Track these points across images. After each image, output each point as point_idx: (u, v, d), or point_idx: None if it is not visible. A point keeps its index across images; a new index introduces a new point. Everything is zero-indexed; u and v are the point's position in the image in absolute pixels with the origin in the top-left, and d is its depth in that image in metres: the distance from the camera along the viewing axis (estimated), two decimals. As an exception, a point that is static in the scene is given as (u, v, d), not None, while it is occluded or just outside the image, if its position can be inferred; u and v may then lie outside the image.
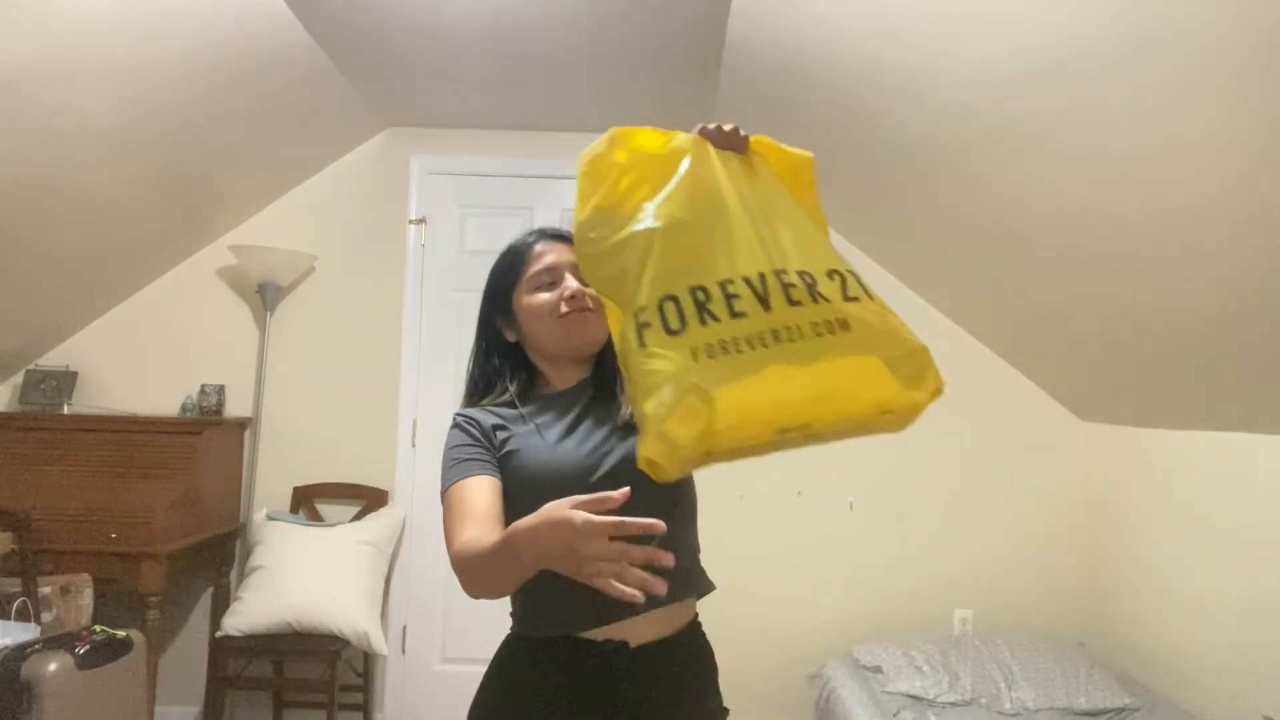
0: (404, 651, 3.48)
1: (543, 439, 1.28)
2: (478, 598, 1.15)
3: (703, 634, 1.33)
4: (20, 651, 2.14)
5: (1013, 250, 2.69)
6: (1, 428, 3.22)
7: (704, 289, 1.02)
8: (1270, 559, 2.37)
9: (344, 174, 3.66)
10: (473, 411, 1.32)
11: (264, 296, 3.48)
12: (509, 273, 1.36)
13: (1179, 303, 2.20)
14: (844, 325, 1.05)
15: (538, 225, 4.10)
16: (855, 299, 1.10)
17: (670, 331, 1.00)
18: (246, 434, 3.55)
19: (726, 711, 1.31)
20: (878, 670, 2.91)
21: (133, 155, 2.83)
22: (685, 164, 1.11)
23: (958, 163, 2.47)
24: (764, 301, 1.02)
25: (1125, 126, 1.85)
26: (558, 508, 0.97)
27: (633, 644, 1.21)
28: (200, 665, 3.28)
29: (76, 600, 2.68)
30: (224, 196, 3.44)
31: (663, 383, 0.98)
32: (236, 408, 3.54)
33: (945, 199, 2.72)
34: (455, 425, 1.31)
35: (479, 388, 1.38)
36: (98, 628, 2.35)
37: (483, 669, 1.30)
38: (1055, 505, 3.45)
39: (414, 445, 3.53)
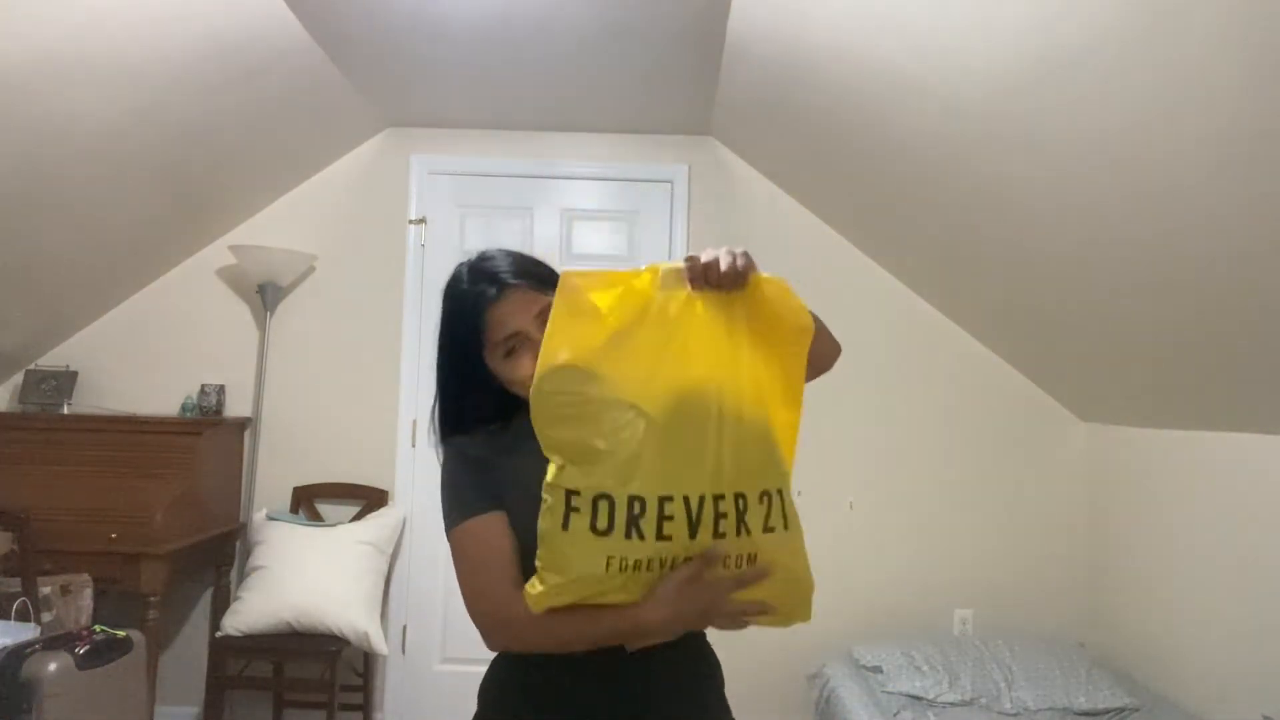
0: (404, 651, 3.48)
1: (535, 469, 1.16)
2: (506, 649, 1.20)
3: (705, 641, 1.31)
4: (20, 651, 2.14)
5: (1013, 250, 2.69)
6: (1, 428, 3.22)
7: (642, 501, 1.02)
8: (1270, 559, 2.37)
9: (344, 174, 3.66)
10: (467, 441, 1.25)
11: (264, 296, 3.48)
12: (472, 335, 1.22)
13: (1179, 303, 2.20)
14: (752, 560, 1.09)
15: (537, 226, 4.07)
16: (773, 530, 1.09)
17: (596, 531, 1.03)
18: (246, 434, 3.55)
19: None
20: (878, 670, 2.91)
21: (133, 155, 2.83)
22: (664, 324, 1.03)
23: (958, 163, 2.47)
24: (693, 529, 1.04)
25: (1126, 126, 1.85)
26: (672, 585, 1.07)
27: (629, 648, 1.19)
28: (200, 665, 3.28)
29: (76, 600, 2.68)
30: (224, 196, 3.44)
31: (571, 572, 1.04)
32: (236, 408, 3.54)
33: (945, 199, 2.72)
34: (450, 454, 1.25)
35: (454, 426, 1.28)
36: (98, 628, 2.35)
37: (483, 669, 1.29)
38: (1055, 505, 3.45)
39: (414, 445, 3.53)
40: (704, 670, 1.30)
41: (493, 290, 1.20)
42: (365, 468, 3.53)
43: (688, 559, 1.06)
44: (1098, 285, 2.46)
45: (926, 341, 3.53)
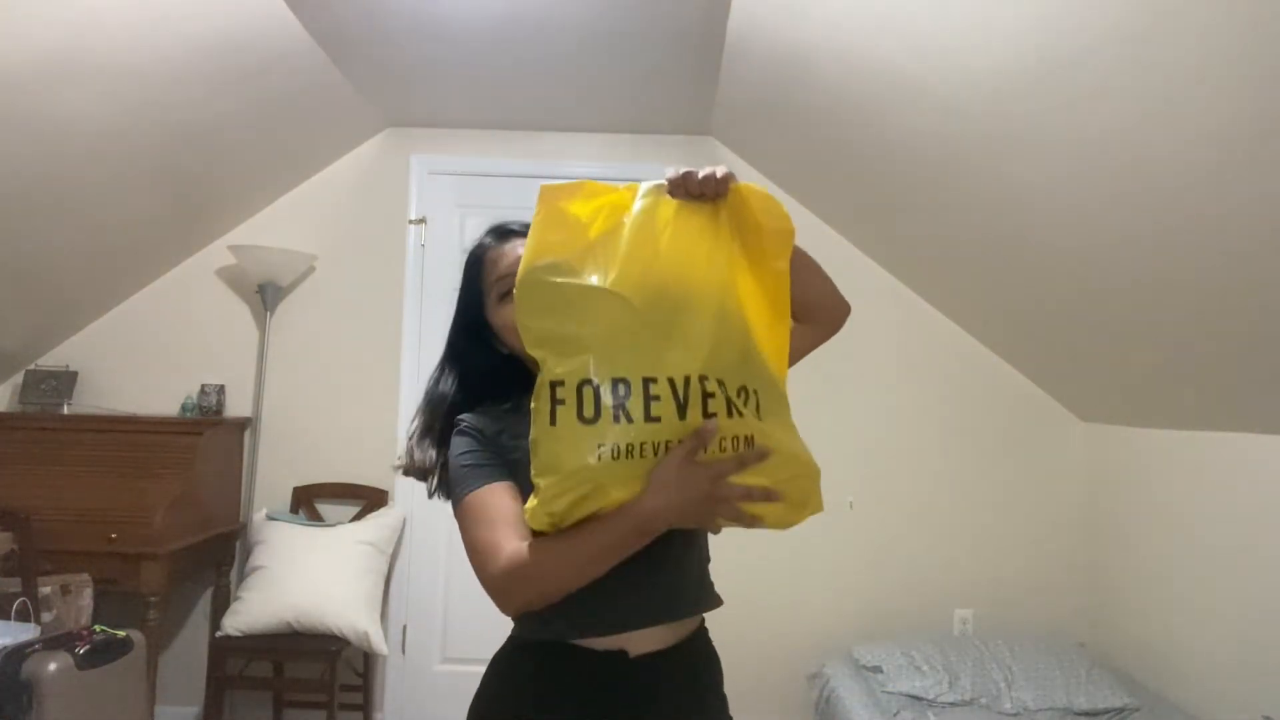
0: (404, 651, 3.48)
1: None
2: (525, 607, 1.14)
3: (709, 643, 1.31)
4: (20, 651, 2.14)
5: (1013, 250, 2.69)
6: (1, 428, 3.22)
7: (626, 383, 1.01)
8: (1270, 559, 2.37)
9: (344, 174, 3.66)
10: (474, 417, 1.25)
11: (264, 296, 3.48)
12: (473, 285, 1.29)
13: (1179, 303, 2.20)
14: (749, 442, 1.05)
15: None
16: (763, 417, 1.07)
17: (583, 419, 1.01)
18: (246, 434, 3.55)
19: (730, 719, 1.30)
20: (878, 670, 2.91)
21: (133, 155, 2.83)
22: (646, 226, 1.05)
23: (957, 162, 2.47)
24: (681, 409, 1.02)
25: (1126, 126, 1.85)
26: (669, 468, 1.02)
27: (631, 653, 1.19)
28: (200, 665, 3.28)
29: (76, 600, 2.68)
30: (224, 196, 3.44)
31: (563, 468, 1.01)
32: (236, 408, 3.54)
33: (945, 199, 2.72)
34: (461, 432, 1.24)
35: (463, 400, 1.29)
36: (98, 628, 2.35)
37: (483, 669, 1.29)
38: (1055, 505, 3.45)
39: (414, 445, 3.53)
40: (706, 669, 1.30)
41: (494, 238, 1.30)
42: (365, 468, 3.53)
43: (680, 442, 1.02)
44: (1098, 285, 2.46)
45: (926, 341, 3.53)
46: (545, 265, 1.04)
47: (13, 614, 2.41)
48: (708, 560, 1.33)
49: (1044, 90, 1.95)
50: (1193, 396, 2.57)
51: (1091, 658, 2.98)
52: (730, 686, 1.32)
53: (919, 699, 2.73)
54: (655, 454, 1.02)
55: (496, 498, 1.16)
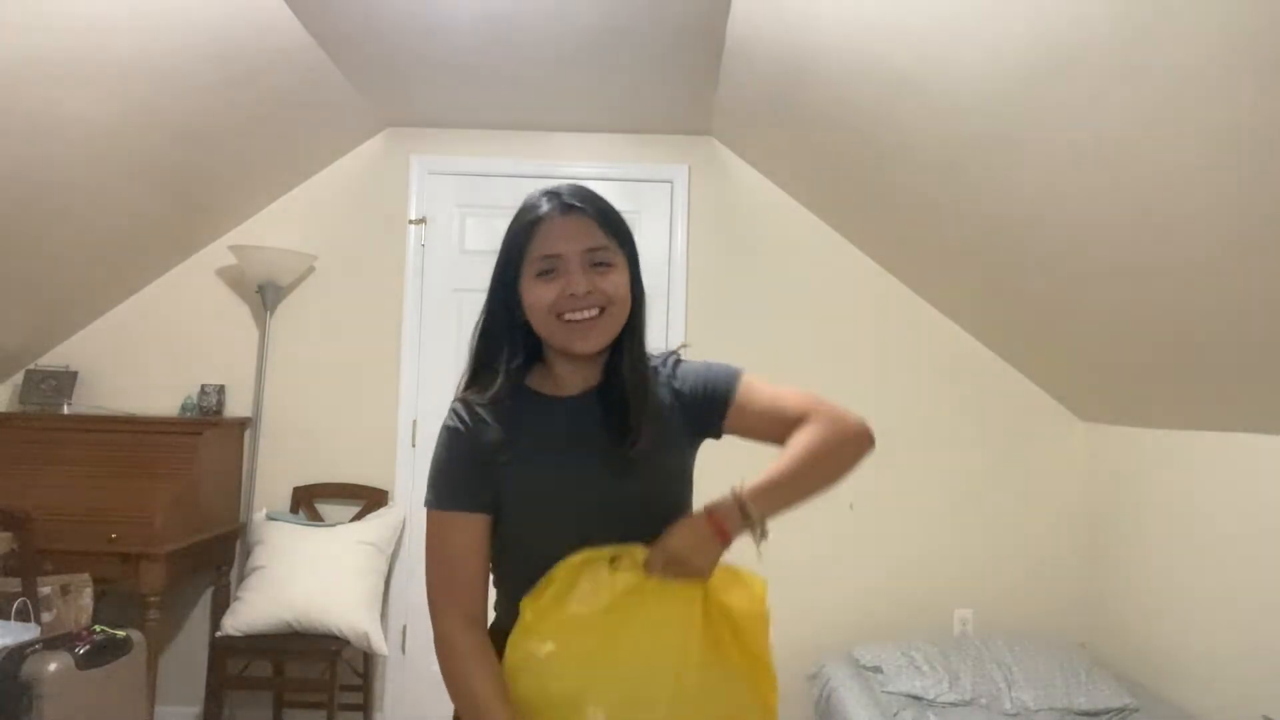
0: (404, 651, 3.48)
1: (545, 459, 1.20)
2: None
3: None
4: (20, 651, 2.14)
5: (1013, 250, 2.69)
6: (1, 428, 3.22)
7: None
8: (1270, 559, 2.37)
9: (344, 174, 3.66)
10: (472, 417, 1.21)
11: (264, 296, 3.48)
12: (516, 245, 1.22)
13: (1180, 302, 2.20)
14: None
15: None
16: None
17: None
18: (246, 434, 3.55)
19: None
20: (878, 670, 2.91)
21: (132, 155, 2.83)
22: (621, 615, 1.11)
23: (957, 162, 2.47)
24: None
25: (1126, 126, 1.85)
26: None
27: None
28: (200, 665, 3.28)
29: (76, 600, 2.68)
30: (224, 196, 3.44)
31: None
32: (236, 408, 3.54)
33: (945, 199, 2.72)
34: (451, 430, 1.21)
35: (482, 365, 1.26)
36: (98, 628, 2.35)
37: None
38: (1055, 505, 3.45)
39: (414, 445, 3.53)
40: None
41: (550, 206, 1.21)
42: (365, 468, 3.53)
43: None
44: (1098, 285, 2.46)
45: (926, 341, 3.53)
46: (538, 652, 1.11)
47: (13, 614, 2.40)
48: None
49: (1044, 90, 1.94)
50: (1193, 396, 2.57)
51: (1091, 658, 2.98)
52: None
53: (919, 699, 2.73)
54: None
55: (465, 539, 1.19)
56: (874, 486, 3.47)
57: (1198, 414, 2.63)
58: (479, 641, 1.16)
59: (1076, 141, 2.01)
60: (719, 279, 3.57)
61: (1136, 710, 2.66)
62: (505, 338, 1.25)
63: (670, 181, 3.60)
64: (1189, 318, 2.22)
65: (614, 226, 1.23)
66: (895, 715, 2.64)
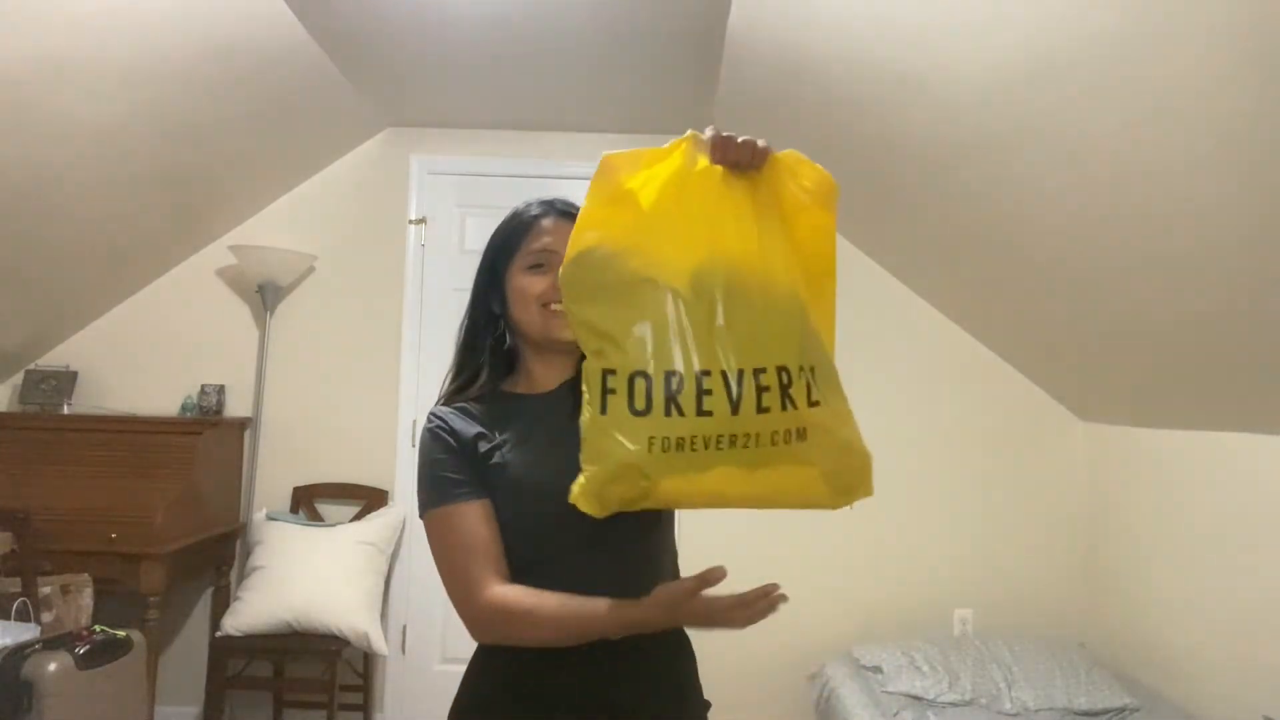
0: (404, 651, 3.48)
1: (526, 452, 1.23)
2: (499, 642, 1.18)
3: (682, 630, 1.32)
4: (20, 651, 2.14)
5: (1013, 250, 2.69)
6: (1, 428, 3.22)
7: (679, 375, 1.00)
8: (1270, 559, 2.37)
9: (344, 174, 3.66)
10: (450, 417, 1.26)
11: (264, 296, 3.48)
12: (506, 244, 1.29)
13: (1179, 303, 2.20)
14: (801, 435, 1.04)
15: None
16: (818, 403, 1.06)
17: (635, 411, 1.01)
18: (246, 434, 3.55)
19: (708, 704, 1.31)
20: (878, 670, 2.91)
21: (132, 155, 2.83)
22: (692, 201, 1.05)
23: (958, 162, 2.47)
24: (734, 405, 1.01)
25: (1126, 126, 1.85)
26: (675, 593, 1.07)
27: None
28: (200, 665, 3.28)
29: (76, 600, 2.68)
30: (224, 196, 3.44)
31: (612, 458, 1.01)
32: (236, 408, 3.54)
33: (945, 198, 2.72)
34: (431, 432, 1.25)
35: (464, 368, 1.31)
36: (98, 628, 2.35)
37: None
38: (1055, 505, 3.45)
39: (414, 445, 3.53)
40: (678, 653, 1.30)
41: (544, 209, 1.29)
42: (365, 468, 3.53)
43: (737, 440, 1.01)
44: (1098, 285, 2.46)
45: (926, 341, 3.53)
46: (594, 250, 1.05)
47: (13, 614, 2.41)
48: (676, 555, 1.36)
49: (1045, 90, 1.95)
50: (1193, 396, 2.57)
51: (1091, 658, 2.98)
52: (730, 686, 1.33)
53: (919, 699, 2.73)
54: (706, 448, 1.01)
55: (471, 522, 1.20)
56: (874, 486, 3.47)
57: (1198, 414, 2.63)
58: (523, 590, 1.15)
59: (1076, 141, 2.01)
60: (719, 279, 3.57)
61: (1136, 710, 2.66)
62: (485, 344, 1.30)
63: (670, 181, 3.60)
64: (1189, 318, 2.22)
65: None
66: (895, 715, 2.64)
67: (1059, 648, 2.98)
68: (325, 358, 3.58)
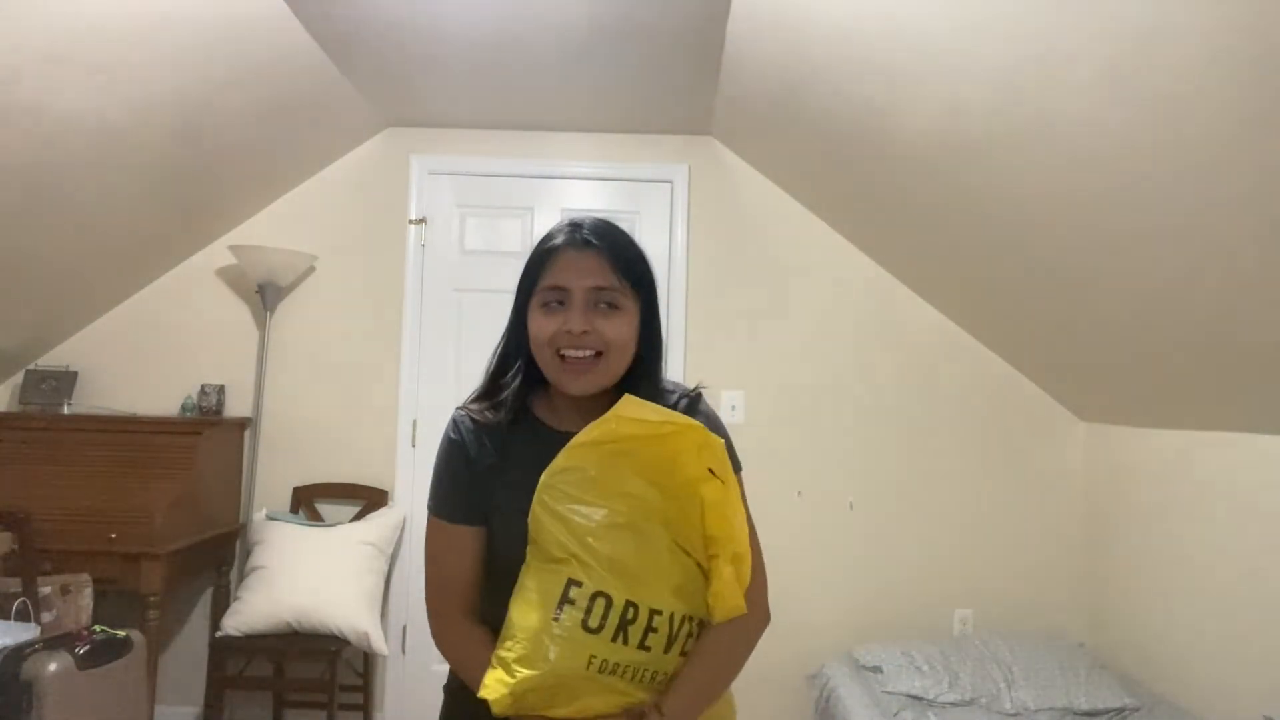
0: (404, 651, 3.48)
1: (524, 495, 1.16)
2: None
3: None
4: (20, 651, 2.14)
5: (1013, 251, 2.69)
6: (2, 428, 3.22)
7: (635, 608, 1.08)
8: (1270, 559, 2.37)
9: (344, 174, 3.66)
10: (470, 438, 1.23)
11: (264, 296, 3.48)
12: (529, 274, 1.23)
13: (1179, 303, 2.20)
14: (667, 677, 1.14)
15: (537, 226, 4.08)
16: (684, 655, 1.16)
17: (587, 629, 1.07)
18: (246, 434, 3.55)
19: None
20: (878, 670, 2.91)
21: (132, 155, 2.83)
22: (669, 460, 1.13)
23: (957, 163, 2.47)
24: (669, 644, 1.11)
25: (1127, 127, 1.85)
26: None
27: None
28: (200, 665, 3.29)
29: (76, 600, 2.68)
30: (224, 197, 3.44)
31: (551, 668, 1.07)
32: (236, 408, 3.54)
33: (945, 199, 2.72)
34: (451, 442, 1.24)
35: (494, 382, 1.27)
36: (98, 628, 2.35)
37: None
38: (1055, 505, 3.45)
39: (414, 445, 3.53)
40: None
41: (565, 238, 1.21)
42: (365, 468, 3.53)
43: (653, 675, 1.10)
44: (1099, 285, 2.46)
45: (927, 341, 3.53)
46: (575, 470, 1.12)
47: (13, 614, 2.41)
48: None
49: (1046, 90, 1.95)
50: (1193, 396, 2.57)
51: (1091, 658, 2.98)
52: (730, 686, 1.32)
53: (919, 699, 2.73)
54: (633, 679, 1.09)
55: (458, 545, 1.22)
56: (874, 486, 3.47)
57: (1198, 414, 2.63)
58: (466, 635, 1.21)
59: (1076, 143, 2.01)
60: (719, 279, 3.57)
61: (1136, 710, 2.66)
62: (515, 362, 1.26)
63: (670, 181, 3.60)
64: (1190, 318, 2.22)
65: (628, 268, 1.20)
66: (895, 715, 2.64)
67: (1059, 648, 2.99)
68: (325, 358, 3.58)
